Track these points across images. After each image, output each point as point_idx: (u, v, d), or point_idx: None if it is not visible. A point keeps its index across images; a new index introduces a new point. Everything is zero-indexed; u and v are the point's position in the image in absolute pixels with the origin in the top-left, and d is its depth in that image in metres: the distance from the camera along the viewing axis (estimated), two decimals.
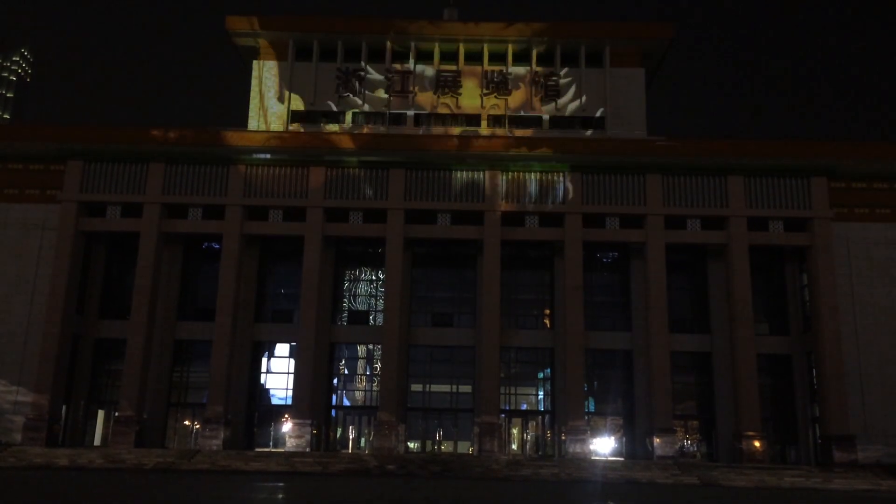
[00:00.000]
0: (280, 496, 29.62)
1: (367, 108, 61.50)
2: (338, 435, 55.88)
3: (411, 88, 61.53)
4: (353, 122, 61.37)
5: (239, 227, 54.12)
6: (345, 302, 57.95)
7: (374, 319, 56.91)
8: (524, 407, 56.80)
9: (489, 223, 54.16)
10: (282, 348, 56.88)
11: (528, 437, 56.07)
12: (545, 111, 61.39)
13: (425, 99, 61.68)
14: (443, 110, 61.62)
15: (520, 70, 61.95)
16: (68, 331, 52.86)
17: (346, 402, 56.91)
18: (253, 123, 60.99)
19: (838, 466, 48.34)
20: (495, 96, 61.50)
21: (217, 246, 55.73)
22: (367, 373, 57.38)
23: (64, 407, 53.13)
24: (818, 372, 52.55)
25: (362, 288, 58.59)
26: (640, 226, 54.53)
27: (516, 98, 61.52)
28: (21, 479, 38.14)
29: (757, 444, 50.34)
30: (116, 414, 52.01)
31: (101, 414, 55.08)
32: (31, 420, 50.43)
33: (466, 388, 55.67)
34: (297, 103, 61.63)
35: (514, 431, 56.25)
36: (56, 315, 51.90)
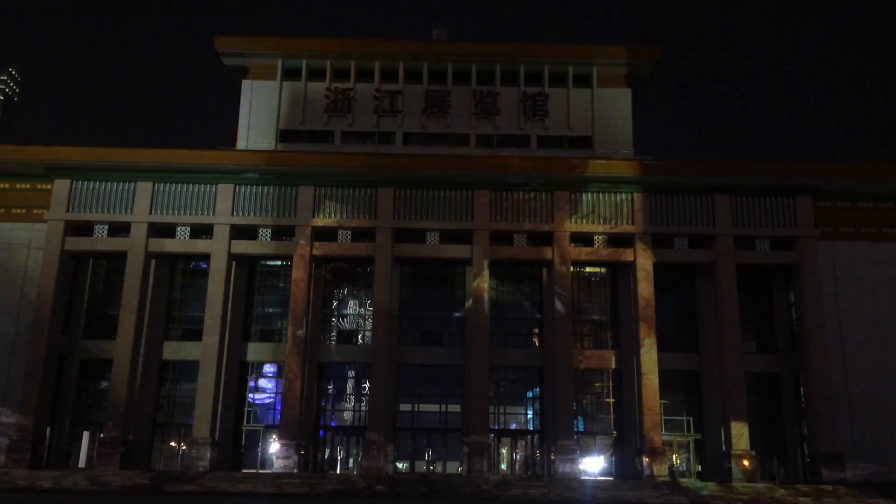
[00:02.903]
0: None
1: (356, 127, 61.64)
2: (326, 455, 55.42)
3: (400, 108, 61.80)
4: (342, 141, 61.47)
5: (227, 246, 53.98)
6: (333, 321, 57.72)
7: (363, 338, 56.73)
8: (513, 426, 56.55)
9: (478, 242, 54.27)
10: (269, 368, 56.52)
11: (518, 456, 55.81)
12: (533, 131, 61.72)
13: (414, 118, 61.92)
14: (431, 129, 61.87)
15: (508, 90, 62.33)
16: (54, 351, 52.38)
17: (334, 423, 56.49)
18: (242, 142, 60.99)
19: (827, 485, 48.33)
20: (484, 116, 61.86)
21: (204, 265, 55.50)
22: (356, 392, 57.04)
23: (48, 428, 52.53)
24: (806, 390, 52.76)
25: (351, 307, 58.42)
26: (628, 245, 54.76)
27: (504, 118, 61.84)
28: (4, 501, 37.66)
29: (746, 463, 50.33)
30: (102, 435, 51.41)
31: (86, 435, 54.30)
32: (14, 441, 49.80)
33: (455, 408, 55.42)
34: (287, 122, 61.72)
35: (504, 451, 55.99)
36: (41, 335, 51.47)
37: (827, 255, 54.51)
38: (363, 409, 55.24)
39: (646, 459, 50.50)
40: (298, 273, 53.73)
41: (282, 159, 55.51)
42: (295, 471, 49.92)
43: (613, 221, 54.75)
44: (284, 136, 61.45)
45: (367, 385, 54.94)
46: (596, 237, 55.12)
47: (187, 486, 45.84)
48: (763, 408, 55.25)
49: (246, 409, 55.70)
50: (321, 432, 55.50)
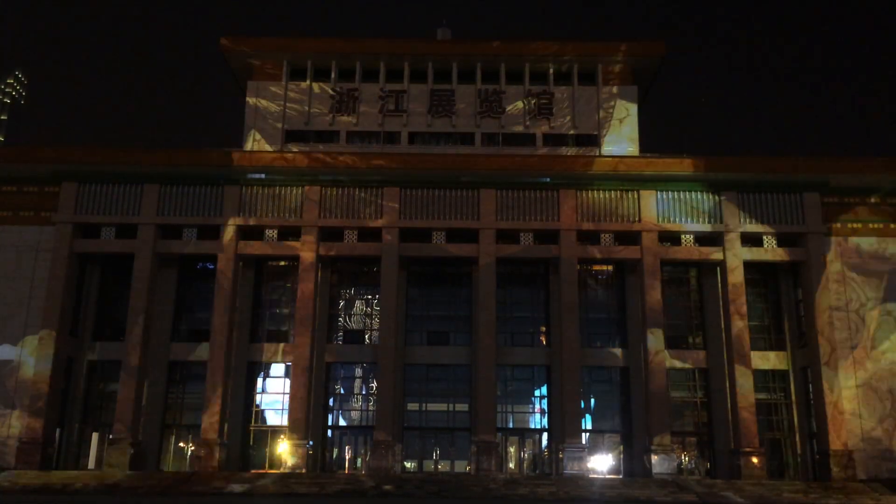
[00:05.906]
0: None
1: (361, 127, 61.68)
2: (334, 455, 55.52)
3: (405, 107, 61.81)
4: (348, 141, 61.52)
5: (234, 247, 54.11)
6: (340, 321, 57.78)
7: (370, 338, 56.78)
8: (521, 425, 56.53)
9: (484, 240, 54.26)
10: (277, 368, 56.62)
11: (526, 455, 55.79)
12: (539, 129, 61.63)
13: (419, 118, 61.89)
14: (437, 129, 61.86)
15: (513, 88, 62.25)
16: (62, 353, 52.63)
17: (343, 422, 56.60)
18: (248, 143, 61.13)
19: (836, 482, 48.18)
20: (489, 115, 61.80)
21: (212, 266, 55.69)
22: (363, 392, 57.12)
23: (58, 429, 52.74)
24: (814, 387, 52.56)
25: (358, 307, 58.47)
26: (635, 242, 54.65)
27: (509, 116, 61.79)
28: (15, 502, 37.87)
29: (755, 460, 50.21)
30: (111, 436, 51.66)
31: (95, 436, 54.53)
32: (24, 443, 50.07)
33: (463, 407, 55.44)
34: (292, 123, 61.81)
35: (512, 450, 55.96)
36: (50, 337, 51.71)
37: (834, 250, 54.31)
38: (371, 408, 55.34)
39: (654, 457, 50.42)
40: (305, 273, 53.82)
41: (287, 160, 55.60)
42: (303, 470, 50.04)
43: (619, 219, 54.64)
44: (290, 136, 61.54)
45: (374, 385, 55.03)
46: (602, 235, 55.03)
47: (196, 486, 45.91)
48: (771, 405, 55.12)
49: (254, 409, 55.83)
50: (329, 432, 55.62)
